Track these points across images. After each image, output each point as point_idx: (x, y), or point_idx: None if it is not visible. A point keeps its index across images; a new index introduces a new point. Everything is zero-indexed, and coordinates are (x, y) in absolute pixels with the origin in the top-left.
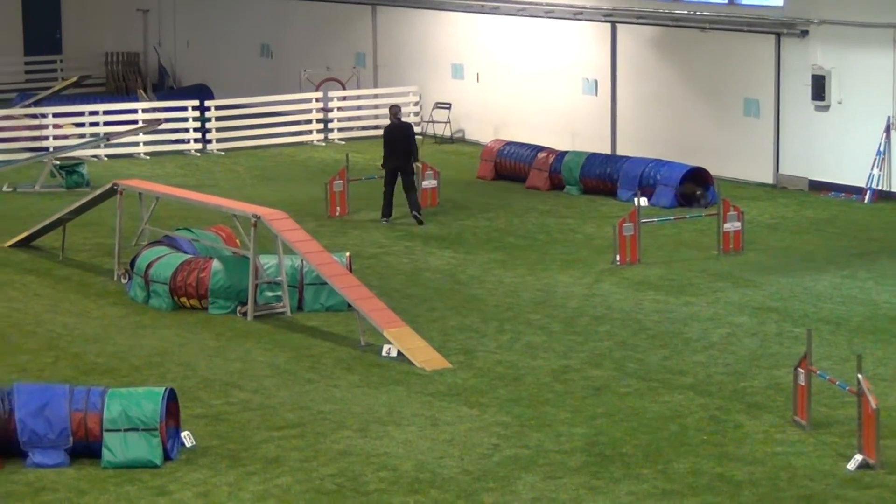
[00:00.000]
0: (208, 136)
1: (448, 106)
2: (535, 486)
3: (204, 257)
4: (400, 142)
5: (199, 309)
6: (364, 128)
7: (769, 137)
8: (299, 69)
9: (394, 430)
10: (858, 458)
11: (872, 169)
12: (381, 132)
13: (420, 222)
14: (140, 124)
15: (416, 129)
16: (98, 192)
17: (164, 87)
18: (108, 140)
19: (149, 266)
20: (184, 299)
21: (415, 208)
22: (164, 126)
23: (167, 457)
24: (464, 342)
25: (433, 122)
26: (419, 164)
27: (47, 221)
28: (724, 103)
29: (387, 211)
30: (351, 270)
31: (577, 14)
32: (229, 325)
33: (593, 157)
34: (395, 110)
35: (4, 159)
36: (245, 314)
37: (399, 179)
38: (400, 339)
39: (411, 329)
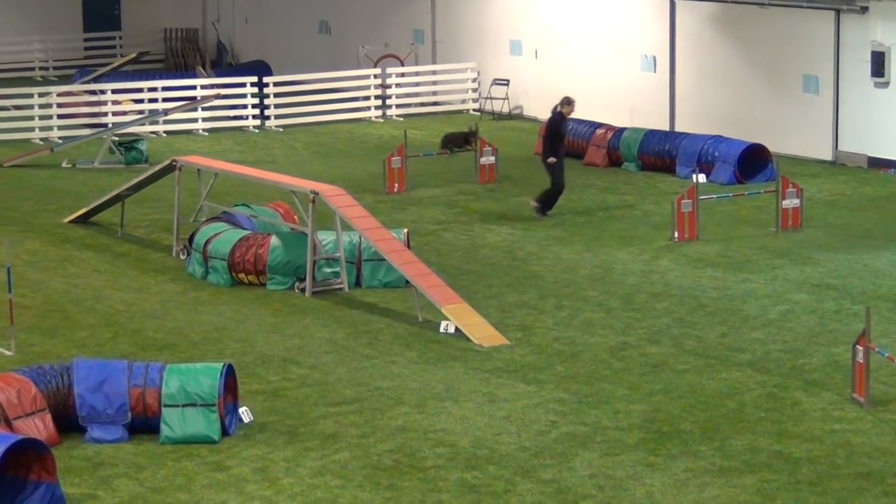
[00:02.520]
0: (266, 112)
1: (506, 82)
2: (592, 462)
3: (262, 233)
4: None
5: (257, 285)
6: (422, 104)
7: (828, 114)
8: (358, 46)
9: (451, 406)
10: None
11: None
12: (438, 108)
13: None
14: (199, 99)
15: (475, 106)
16: (157, 168)
17: (223, 64)
18: (166, 115)
19: (207, 242)
20: (242, 275)
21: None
22: (222, 102)
23: (225, 432)
24: (521, 319)
25: (491, 98)
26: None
27: (106, 197)
28: (783, 80)
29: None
30: (409, 247)
31: None
32: (287, 301)
33: (651, 134)
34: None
35: (64, 136)
36: (303, 290)
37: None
38: (457, 316)
39: (469, 305)
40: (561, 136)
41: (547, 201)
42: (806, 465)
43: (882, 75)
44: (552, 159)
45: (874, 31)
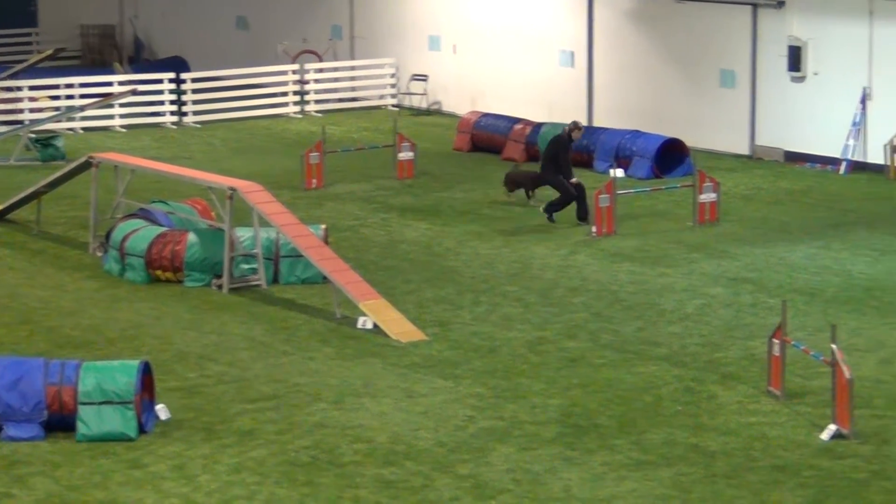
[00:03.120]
0: (184, 108)
1: (425, 78)
2: (509, 457)
3: (179, 230)
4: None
5: (174, 282)
6: (340, 100)
7: (745, 108)
8: (276, 41)
9: (369, 402)
10: (832, 428)
11: (848, 140)
12: (356, 104)
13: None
14: (114, 94)
15: (393, 101)
16: (73, 164)
17: (140, 60)
18: (82, 111)
19: (124, 239)
20: (159, 272)
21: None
22: (139, 99)
23: (142, 430)
24: (439, 314)
25: (410, 94)
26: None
27: (22, 195)
28: (700, 74)
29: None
30: (327, 243)
31: None
32: (205, 298)
33: None
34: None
35: None
36: (220, 287)
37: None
38: (375, 312)
39: (387, 301)
40: (566, 156)
41: (557, 207)
42: (722, 458)
43: (798, 70)
44: (575, 180)
45: (791, 26)
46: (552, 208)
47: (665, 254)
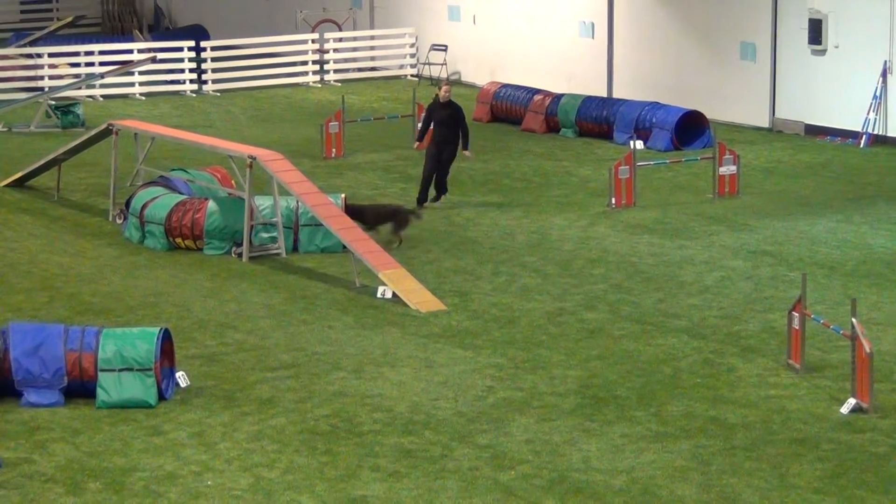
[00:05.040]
0: (204, 76)
1: (444, 48)
2: (528, 427)
3: (199, 198)
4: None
5: (194, 250)
6: (360, 69)
7: (765, 81)
8: (295, 10)
9: (388, 371)
10: (852, 401)
11: (868, 113)
12: (375, 74)
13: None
14: (133, 62)
15: (413, 71)
16: (93, 132)
17: (160, 28)
18: (102, 78)
19: (144, 207)
20: (179, 240)
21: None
22: (159, 66)
23: (161, 397)
24: (459, 284)
25: (429, 63)
26: (468, 154)
27: (42, 161)
28: (720, 47)
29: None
30: (346, 212)
31: None
32: (224, 266)
33: (589, 100)
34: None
35: (0, 99)
36: (240, 255)
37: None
38: (395, 281)
39: (406, 271)
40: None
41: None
42: (741, 431)
43: (819, 43)
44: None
45: None
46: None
47: (685, 226)
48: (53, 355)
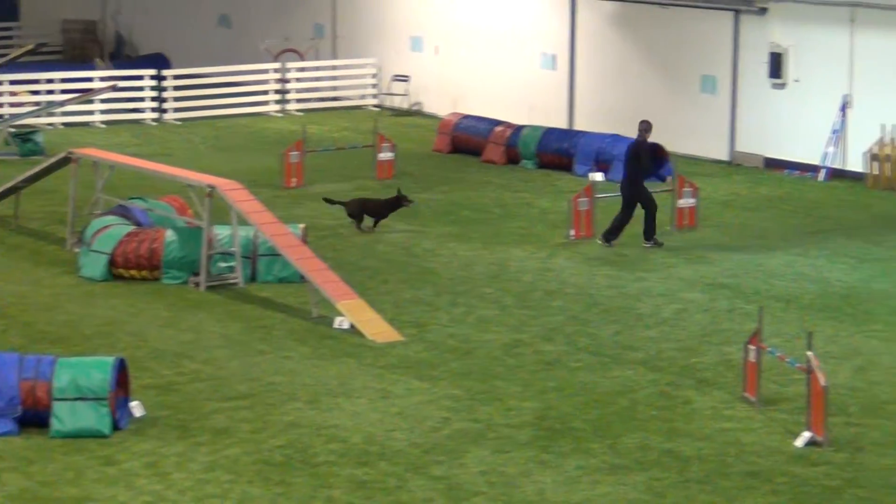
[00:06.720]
0: (165, 105)
1: (406, 78)
2: (484, 459)
3: (155, 228)
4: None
5: (146, 280)
6: (322, 99)
7: (725, 114)
8: (258, 39)
9: (344, 402)
10: (806, 434)
11: (827, 147)
12: (337, 104)
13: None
14: (93, 90)
15: (374, 102)
16: (52, 160)
17: (122, 56)
18: (62, 106)
19: (94, 235)
20: (122, 270)
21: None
22: (120, 95)
23: (116, 426)
24: (416, 315)
25: (391, 94)
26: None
27: (1, 189)
28: (681, 80)
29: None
30: (305, 242)
31: None
32: (182, 296)
33: (550, 132)
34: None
35: None
36: (198, 285)
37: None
38: (352, 312)
39: (364, 301)
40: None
41: (650, 225)
42: (696, 464)
43: (779, 76)
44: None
45: (772, 33)
46: (648, 232)
47: (643, 258)
48: (8, 384)
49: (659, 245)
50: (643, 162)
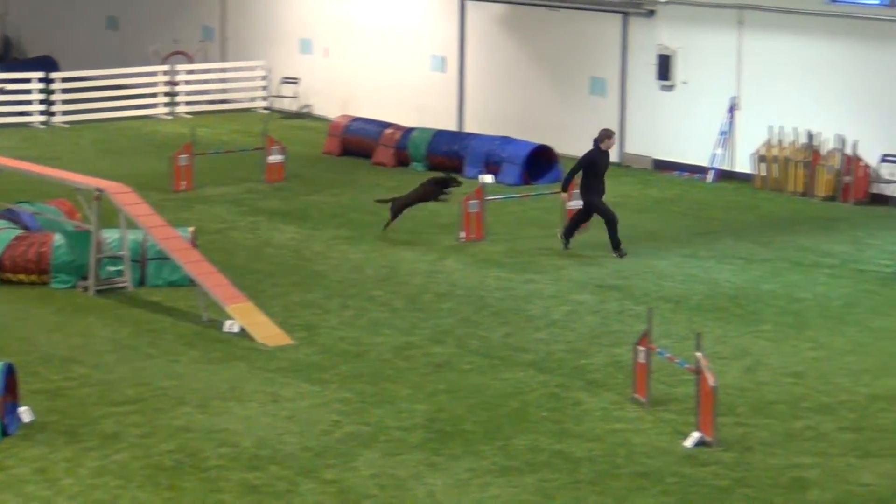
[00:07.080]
0: (53, 108)
1: (296, 81)
2: (374, 462)
3: (43, 232)
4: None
5: (34, 284)
6: (211, 102)
7: (615, 116)
8: (146, 42)
9: (234, 406)
10: (696, 435)
11: (716, 149)
12: (226, 106)
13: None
14: None
15: (264, 104)
16: None
17: (9, 58)
18: None
19: None
20: (10, 275)
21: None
22: (7, 98)
23: (4, 432)
24: (307, 318)
25: (281, 96)
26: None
27: None
28: (570, 82)
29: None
30: (195, 245)
31: None
32: (70, 300)
33: (440, 134)
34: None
35: None
36: (86, 289)
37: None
38: (242, 315)
39: (254, 305)
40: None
41: (613, 235)
42: (586, 465)
43: (668, 78)
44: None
45: (660, 35)
46: (613, 242)
47: (533, 260)
48: None
49: (622, 255)
50: (600, 172)
